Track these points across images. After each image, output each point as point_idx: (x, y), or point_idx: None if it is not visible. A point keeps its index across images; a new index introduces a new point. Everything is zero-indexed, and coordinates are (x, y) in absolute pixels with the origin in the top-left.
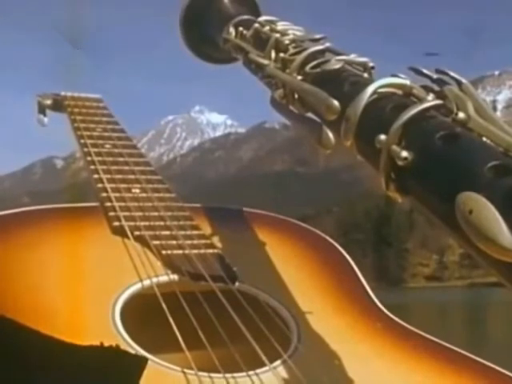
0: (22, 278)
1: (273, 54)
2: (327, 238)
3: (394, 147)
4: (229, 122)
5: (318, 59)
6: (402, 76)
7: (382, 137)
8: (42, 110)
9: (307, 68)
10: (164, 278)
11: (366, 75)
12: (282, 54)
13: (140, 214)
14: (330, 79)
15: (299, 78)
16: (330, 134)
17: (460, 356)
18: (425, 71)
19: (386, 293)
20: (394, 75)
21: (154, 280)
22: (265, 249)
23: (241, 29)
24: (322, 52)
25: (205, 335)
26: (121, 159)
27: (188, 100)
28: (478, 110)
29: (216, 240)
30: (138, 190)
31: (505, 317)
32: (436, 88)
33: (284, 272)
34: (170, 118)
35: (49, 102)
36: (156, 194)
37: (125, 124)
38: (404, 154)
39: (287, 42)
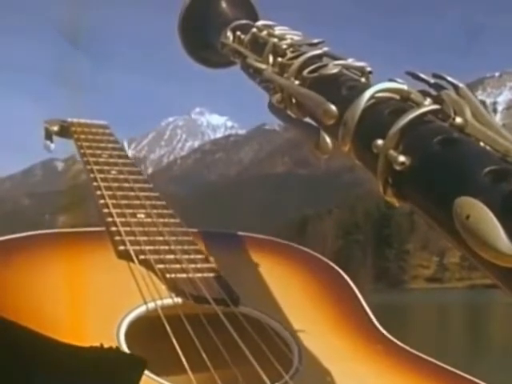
0: (25, 303)
1: (270, 59)
2: (327, 261)
3: (392, 152)
4: (229, 123)
5: (315, 64)
6: (400, 81)
7: (380, 141)
8: (48, 136)
9: (305, 72)
10: (168, 301)
11: (363, 80)
12: (279, 59)
13: (145, 238)
14: (327, 84)
15: (297, 82)
16: (328, 139)
17: (461, 378)
18: (422, 76)
19: (386, 294)
20: (391, 80)
21: (159, 302)
22: (266, 272)
23: (238, 33)
24: (319, 56)
25: (208, 357)
26: (126, 185)
27: (188, 101)
28: (476, 114)
29: (219, 264)
30: (143, 215)
31: (505, 318)
32: (433, 93)
33: (285, 295)
34: (171, 119)
35: (55, 128)
36: (161, 220)
37: (125, 125)
38: (401, 158)
39: (285, 46)
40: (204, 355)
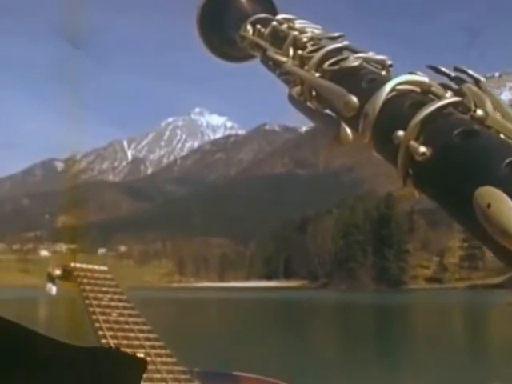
0: None
1: (291, 52)
2: None
3: (413, 143)
4: (229, 123)
5: (336, 57)
6: (420, 74)
7: (400, 132)
8: (51, 279)
9: (325, 65)
10: None
11: (384, 73)
12: (300, 52)
13: (144, 375)
14: (347, 76)
15: (317, 75)
16: (348, 130)
17: None
18: (443, 69)
19: (386, 294)
20: (411, 73)
21: None
22: None
23: (258, 26)
24: (339, 50)
25: None
26: (126, 326)
27: (188, 102)
28: (496, 107)
29: None
30: (142, 355)
31: (504, 318)
32: (454, 86)
33: None
34: (170, 119)
35: (58, 272)
36: (159, 359)
37: (125, 126)
38: (422, 149)
39: (305, 39)
40: None
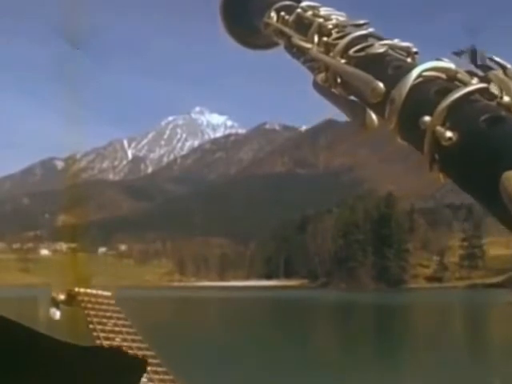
0: None
1: (316, 39)
2: None
3: (439, 128)
4: (229, 122)
5: (361, 43)
6: (447, 60)
7: (427, 118)
8: (55, 304)
9: (351, 52)
10: None
11: (409, 60)
12: (325, 39)
13: None
14: (373, 63)
15: (343, 61)
16: (374, 116)
17: None
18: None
19: (386, 293)
20: (438, 59)
21: None
22: None
23: (283, 14)
24: (365, 37)
25: None
26: (130, 352)
27: (188, 101)
28: None
29: None
30: (145, 379)
31: (503, 317)
32: (480, 73)
33: None
34: (171, 118)
35: (62, 297)
36: (161, 382)
37: (125, 125)
38: (449, 134)
39: (330, 26)
40: None
